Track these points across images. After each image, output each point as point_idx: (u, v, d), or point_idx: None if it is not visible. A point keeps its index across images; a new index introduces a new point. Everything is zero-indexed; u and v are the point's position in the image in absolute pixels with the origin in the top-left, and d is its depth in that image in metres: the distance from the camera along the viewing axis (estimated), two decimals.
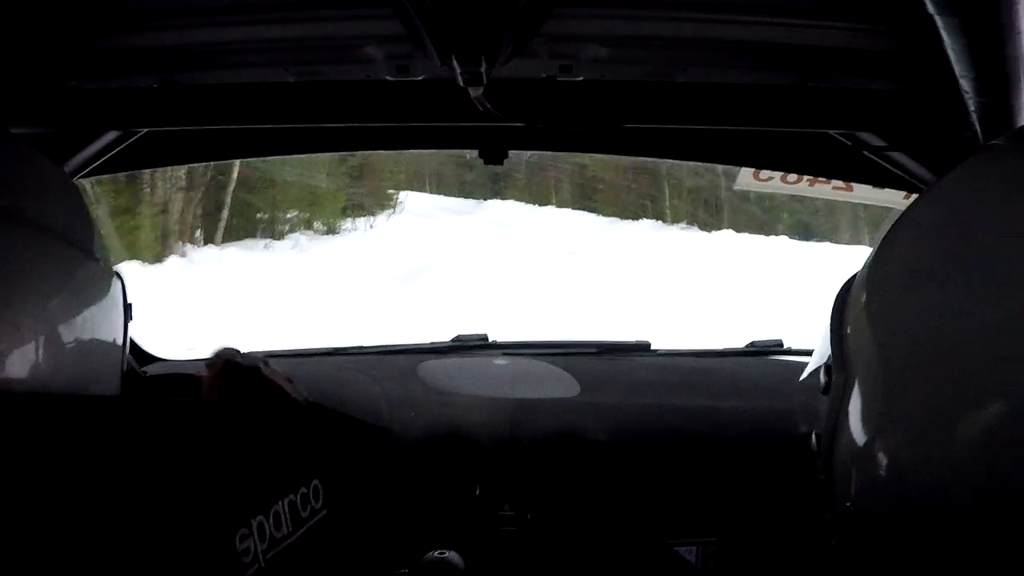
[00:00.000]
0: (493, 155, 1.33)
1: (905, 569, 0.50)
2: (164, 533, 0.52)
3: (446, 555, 1.09)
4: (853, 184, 1.43)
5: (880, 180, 1.27)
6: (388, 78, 1.06)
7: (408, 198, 14.40)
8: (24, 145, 0.64)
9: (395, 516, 1.33)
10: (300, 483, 0.62)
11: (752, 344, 1.77)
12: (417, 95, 1.14)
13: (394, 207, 14.04)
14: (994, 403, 0.42)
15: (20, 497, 0.49)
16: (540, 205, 15.74)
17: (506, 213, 14.87)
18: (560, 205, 15.63)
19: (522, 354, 1.71)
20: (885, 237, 0.55)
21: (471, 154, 1.36)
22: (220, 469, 0.58)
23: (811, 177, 1.48)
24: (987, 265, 0.45)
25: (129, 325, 0.78)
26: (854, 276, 0.60)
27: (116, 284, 0.74)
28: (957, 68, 0.82)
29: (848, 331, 0.57)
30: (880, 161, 1.18)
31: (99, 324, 0.67)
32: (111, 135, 1.18)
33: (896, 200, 1.40)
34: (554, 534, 1.36)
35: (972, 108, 0.87)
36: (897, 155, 1.16)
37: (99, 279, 0.68)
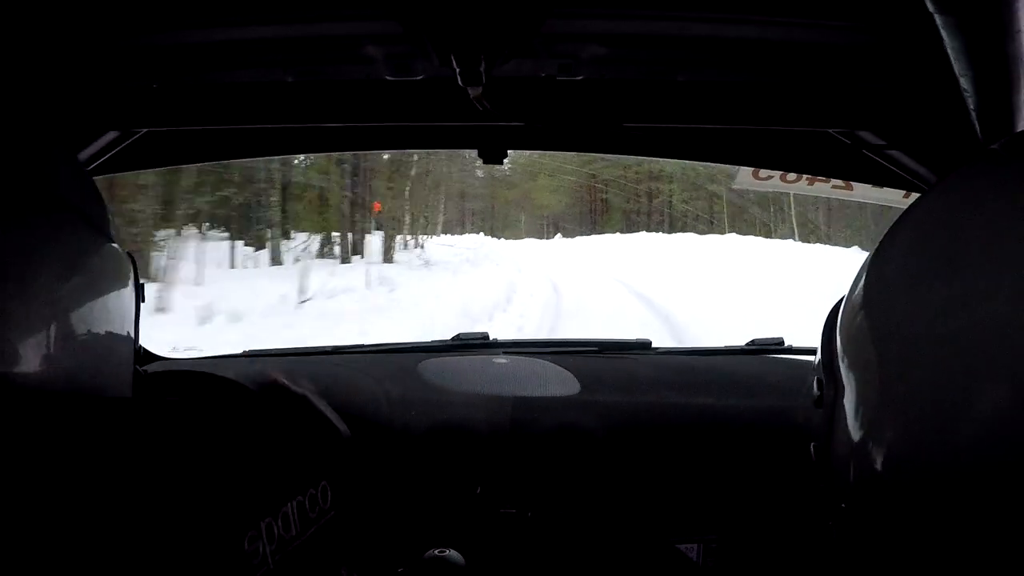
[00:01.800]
0: (492, 154, 1.33)
1: (902, 565, 0.50)
2: (173, 535, 0.52)
3: (446, 553, 1.09)
4: (852, 183, 1.43)
5: (879, 179, 1.27)
6: (387, 77, 1.06)
7: None
8: (31, 128, 0.63)
9: (396, 514, 1.33)
10: (309, 484, 0.62)
11: (752, 342, 1.77)
12: (416, 95, 1.15)
13: None
14: (995, 390, 0.43)
15: (27, 497, 0.49)
16: None
17: None
18: None
19: (522, 353, 1.71)
20: (875, 252, 0.56)
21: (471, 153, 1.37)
22: (230, 471, 0.58)
23: (810, 176, 1.48)
24: (984, 260, 0.45)
25: (141, 306, 0.77)
26: (845, 294, 0.61)
27: (129, 265, 0.72)
28: (956, 67, 0.82)
29: (838, 344, 0.58)
30: (879, 160, 1.18)
31: (114, 306, 0.66)
32: (111, 135, 1.18)
33: (895, 199, 1.40)
34: (555, 532, 1.36)
35: (971, 107, 0.87)
36: (896, 153, 1.16)
37: (115, 259, 0.67)
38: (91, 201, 0.65)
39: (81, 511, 0.51)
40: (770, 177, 1.47)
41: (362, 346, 1.82)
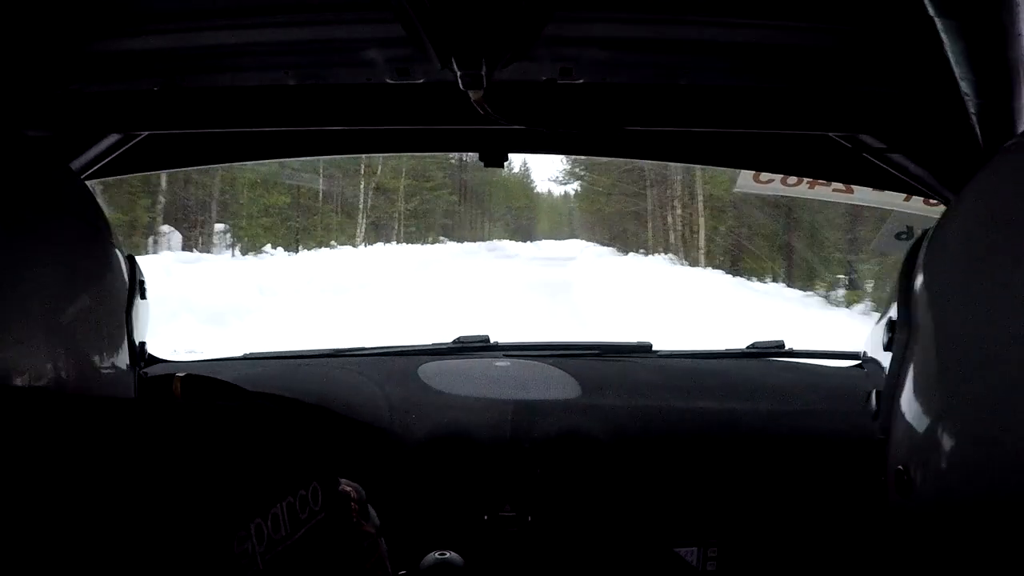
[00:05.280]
0: (493, 158, 1.33)
1: (953, 545, 0.49)
2: (162, 535, 0.52)
3: (446, 556, 1.09)
4: (853, 186, 1.43)
5: (880, 182, 1.27)
6: (389, 81, 1.07)
7: None
8: (32, 143, 0.64)
9: (395, 517, 1.33)
10: (299, 486, 0.62)
11: (753, 345, 1.77)
12: (417, 98, 1.15)
13: None
14: None
15: (18, 498, 0.49)
16: None
17: None
18: None
19: (523, 356, 1.71)
20: (960, 197, 0.52)
21: (471, 156, 1.37)
22: (219, 471, 0.59)
23: (811, 179, 1.48)
24: None
25: (145, 306, 0.77)
26: (931, 229, 0.57)
27: (128, 267, 0.73)
28: (957, 70, 0.82)
29: (916, 291, 0.55)
30: (880, 163, 1.18)
31: (114, 309, 0.67)
32: (113, 138, 1.19)
33: (896, 202, 1.41)
34: (555, 535, 1.36)
35: (972, 111, 0.87)
36: (897, 157, 1.16)
37: (115, 262, 0.68)
38: (87, 205, 0.65)
39: (69, 511, 0.51)
40: (771, 180, 1.47)
41: (362, 349, 1.82)
